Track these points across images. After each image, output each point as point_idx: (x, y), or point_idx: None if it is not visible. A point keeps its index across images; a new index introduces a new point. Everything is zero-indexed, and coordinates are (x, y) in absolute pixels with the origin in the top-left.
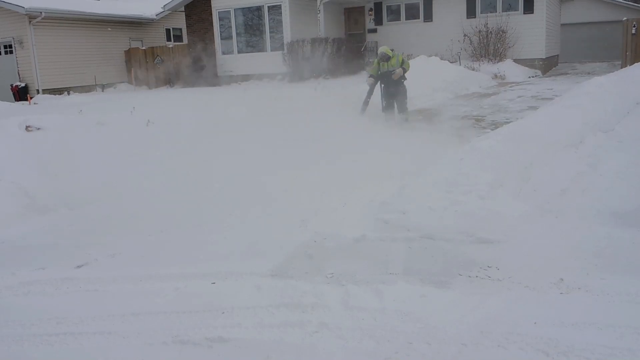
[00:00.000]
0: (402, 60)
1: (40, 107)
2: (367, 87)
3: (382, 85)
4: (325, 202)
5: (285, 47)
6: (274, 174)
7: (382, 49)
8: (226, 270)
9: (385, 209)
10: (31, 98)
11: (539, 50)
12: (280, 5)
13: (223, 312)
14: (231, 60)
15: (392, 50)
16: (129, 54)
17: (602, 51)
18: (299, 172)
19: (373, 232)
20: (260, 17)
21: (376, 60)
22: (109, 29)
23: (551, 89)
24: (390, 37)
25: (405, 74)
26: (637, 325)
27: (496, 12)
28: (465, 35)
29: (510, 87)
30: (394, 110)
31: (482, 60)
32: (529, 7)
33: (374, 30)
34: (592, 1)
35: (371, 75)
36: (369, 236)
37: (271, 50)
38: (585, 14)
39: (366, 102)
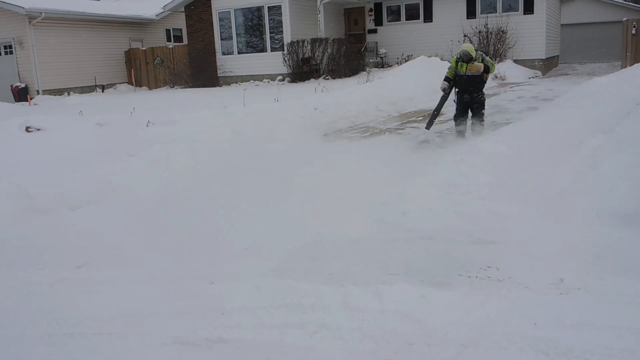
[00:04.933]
0: (489, 62)
1: (40, 107)
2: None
3: (456, 91)
4: (325, 203)
5: (285, 48)
6: (274, 175)
7: (464, 47)
8: (226, 271)
9: (385, 210)
10: (31, 99)
11: (539, 50)
12: (280, 5)
13: (223, 313)
14: (231, 60)
15: (476, 49)
16: (129, 54)
17: (602, 52)
18: (297, 172)
19: (373, 233)
20: (260, 17)
21: (454, 58)
22: (109, 29)
23: (551, 90)
24: (390, 37)
25: (487, 78)
26: (637, 326)
27: (496, 12)
28: (465, 35)
29: (510, 87)
30: (465, 122)
31: None
32: (529, 7)
33: (374, 31)
34: (592, 1)
35: (447, 78)
36: (369, 237)
37: (271, 51)
38: (585, 14)
39: (435, 115)
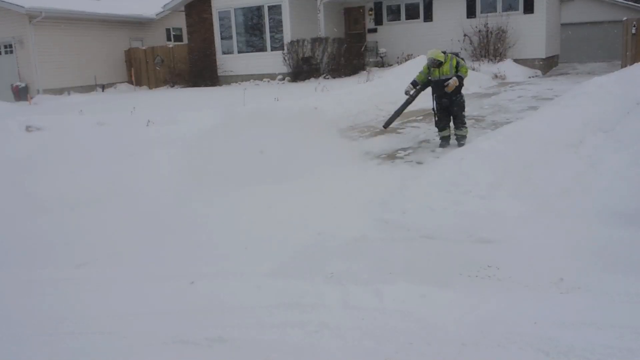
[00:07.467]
0: (457, 63)
1: (41, 107)
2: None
3: (435, 96)
4: (325, 202)
5: (285, 47)
6: (273, 175)
7: (431, 53)
8: (226, 270)
9: (385, 209)
10: (31, 98)
11: (539, 50)
12: (280, 5)
13: (223, 312)
14: (231, 60)
15: (444, 53)
16: (129, 53)
17: (602, 51)
18: (297, 172)
19: (373, 232)
20: (260, 16)
21: (425, 65)
22: (109, 28)
23: (551, 89)
24: (390, 37)
25: (464, 81)
26: (636, 325)
27: (496, 12)
28: (465, 35)
29: (511, 87)
30: (449, 127)
31: (482, 60)
32: (529, 7)
33: (374, 30)
34: (592, 1)
35: (413, 82)
36: (369, 236)
37: (271, 50)
38: (585, 14)
39: (397, 113)
